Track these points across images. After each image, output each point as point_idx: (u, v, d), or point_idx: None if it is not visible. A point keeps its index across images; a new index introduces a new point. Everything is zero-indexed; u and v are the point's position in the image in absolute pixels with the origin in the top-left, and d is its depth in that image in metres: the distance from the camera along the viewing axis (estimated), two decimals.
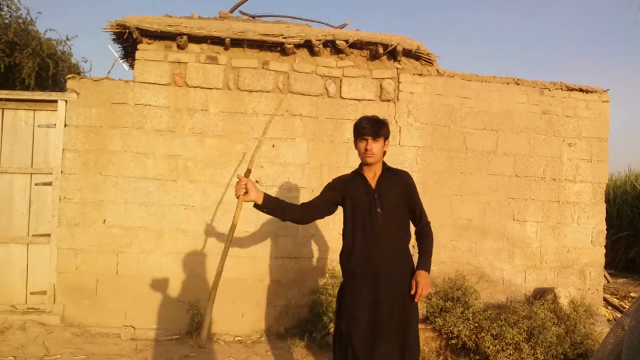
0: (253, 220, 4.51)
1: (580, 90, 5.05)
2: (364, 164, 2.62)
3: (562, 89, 5.03)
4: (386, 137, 2.60)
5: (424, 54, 4.74)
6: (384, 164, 2.67)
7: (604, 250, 5.09)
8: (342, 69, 4.70)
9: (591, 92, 5.07)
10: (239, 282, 4.47)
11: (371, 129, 2.52)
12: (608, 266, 6.59)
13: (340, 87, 4.69)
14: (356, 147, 2.64)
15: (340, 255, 2.67)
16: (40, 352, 3.75)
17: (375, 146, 2.53)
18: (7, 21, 6.69)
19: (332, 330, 4.04)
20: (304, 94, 4.64)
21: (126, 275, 4.38)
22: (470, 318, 3.91)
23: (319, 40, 4.52)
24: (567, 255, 4.98)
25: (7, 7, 6.81)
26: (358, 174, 2.66)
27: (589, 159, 5.05)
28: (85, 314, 4.33)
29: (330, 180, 2.77)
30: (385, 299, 2.46)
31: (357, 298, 2.50)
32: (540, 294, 4.68)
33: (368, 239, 2.52)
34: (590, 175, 5.05)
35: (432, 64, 4.84)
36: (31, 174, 4.39)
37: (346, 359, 2.46)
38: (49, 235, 4.36)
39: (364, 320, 2.46)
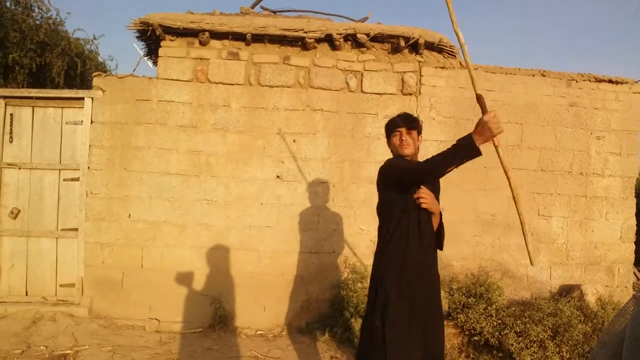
0: (274, 215, 4.55)
1: (610, 81, 4.90)
2: (399, 156, 2.59)
3: (590, 80, 4.89)
4: (419, 132, 2.62)
5: (446, 47, 4.67)
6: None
7: (634, 246, 4.93)
8: (363, 62, 4.67)
9: (621, 83, 4.91)
10: (261, 276, 4.51)
11: (404, 121, 2.56)
12: (638, 263, 6.39)
13: (362, 81, 4.67)
14: (390, 145, 2.65)
15: (378, 244, 2.64)
16: (69, 343, 3.87)
17: (409, 137, 2.54)
18: (38, 22, 6.90)
19: (352, 325, 4.05)
20: (324, 89, 4.63)
21: (151, 269, 4.47)
22: (494, 315, 3.85)
23: (340, 34, 4.50)
24: (594, 252, 4.85)
25: (39, 8, 7.03)
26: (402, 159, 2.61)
27: (618, 153, 4.90)
28: (112, 307, 4.44)
29: (393, 158, 2.67)
30: (421, 290, 2.44)
31: (400, 290, 2.45)
32: (566, 291, 4.58)
33: (407, 223, 2.48)
34: (620, 169, 4.89)
35: (454, 56, 4.77)
36: (59, 169, 4.52)
37: (379, 348, 2.43)
38: (76, 229, 4.48)
39: (401, 310, 2.42)
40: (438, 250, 2.65)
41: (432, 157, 2.29)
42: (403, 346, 2.38)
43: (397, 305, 2.43)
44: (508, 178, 2.13)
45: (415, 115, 2.66)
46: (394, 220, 2.55)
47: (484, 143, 2.10)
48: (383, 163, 2.62)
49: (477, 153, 2.12)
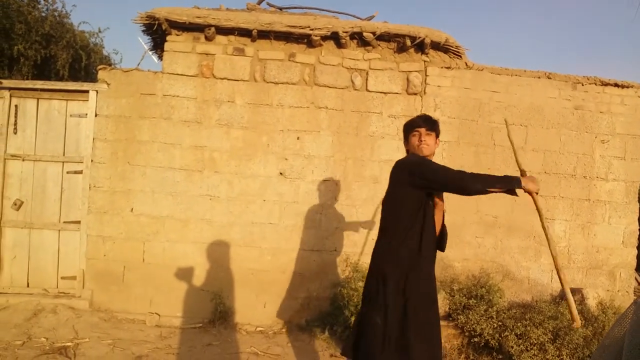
0: (277, 212, 4.55)
1: (616, 85, 4.88)
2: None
3: (595, 84, 4.87)
4: (437, 135, 2.64)
5: (452, 47, 4.65)
6: None
7: (636, 251, 4.93)
8: (369, 61, 4.67)
9: (627, 87, 4.89)
10: (262, 273, 4.51)
11: (424, 122, 2.59)
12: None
13: (367, 79, 4.66)
14: (408, 144, 2.65)
15: (381, 237, 2.64)
16: (70, 335, 3.88)
17: (428, 139, 2.56)
18: (43, 14, 6.90)
19: (352, 324, 4.04)
20: (329, 87, 4.62)
21: (152, 263, 4.48)
22: (494, 316, 3.85)
23: (346, 32, 4.49)
24: (596, 256, 4.84)
25: (44, 0, 7.02)
26: None
27: (622, 157, 4.89)
28: (113, 300, 4.44)
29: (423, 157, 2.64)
30: (423, 289, 2.46)
31: (400, 285, 2.45)
32: None
33: (420, 227, 2.47)
34: (624, 173, 4.89)
35: (460, 57, 4.75)
36: (63, 162, 4.52)
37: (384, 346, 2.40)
38: (79, 222, 4.49)
39: (397, 311, 2.42)
40: (439, 252, 2.65)
41: (474, 173, 2.35)
42: (401, 345, 2.37)
43: (399, 304, 2.42)
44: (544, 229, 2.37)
45: (415, 115, 2.66)
46: (405, 216, 2.49)
47: (522, 189, 2.30)
48: (405, 157, 2.60)
49: (513, 191, 2.30)
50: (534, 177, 2.32)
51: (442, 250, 2.66)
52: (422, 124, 2.57)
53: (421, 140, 2.55)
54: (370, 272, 2.63)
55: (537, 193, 2.32)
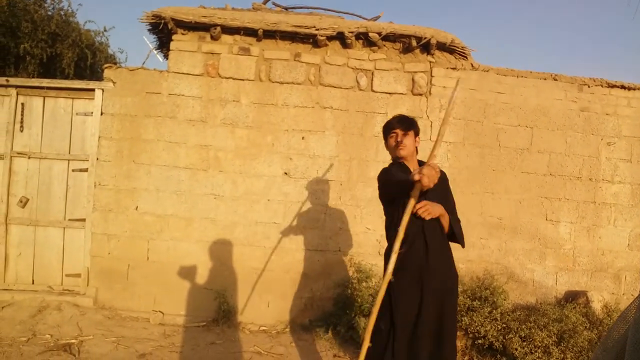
0: (280, 212, 4.55)
1: (622, 87, 4.86)
2: (397, 158, 2.59)
3: (602, 86, 4.85)
4: (416, 133, 2.60)
5: (458, 48, 4.64)
6: (419, 162, 2.64)
7: None
8: (374, 61, 4.66)
9: (634, 89, 4.87)
10: (266, 272, 4.51)
11: (399, 123, 2.56)
12: None
13: (372, 80, 4.65)
14: (387, 147, 2.64)
15: (387, 249, 2.60)
16: (74, 332, 3.89)
17: (406, 139, 2.53)
18: (50, 13, 6.94)
19: (356, 324, 4.04)
20: (335, 87, 4.62)
21: (156, 261, 4.49)
22: (498, 318, 3.84)
23: (352, 32, 4.49)
24: (601, 258, 4.82)
25: None
26: (399, 164, 2.60)
27: (628, 159, 4.86)
28: (117, 298, 4.46)
29: (387, 168, 2.65)
30: (428, 292, 2.41)
31: (404, 293, 2.43)
32: (572, 297, 4.55)
33: (412, 230, 2.44)
34: (630, 176, 4.86)
35: (466, 57, 4.74)
36: (69, 160, 4.54)
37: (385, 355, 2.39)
38: (84, 220, 4.50)
39: (408, 315, 2.39)
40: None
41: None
42: (404, 352, 2.36)
43: (402, 310, 2.41)
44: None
45: (413, 116, 2.64)
46: (393, 227, 2.51)
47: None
48: (379, 172, 2.62)
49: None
50: (430, 166, 2.15)
51: (461, 245, 2.64)
52: (397, 125, 2.55)
53: (397, 142, 2.54)
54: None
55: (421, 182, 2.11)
